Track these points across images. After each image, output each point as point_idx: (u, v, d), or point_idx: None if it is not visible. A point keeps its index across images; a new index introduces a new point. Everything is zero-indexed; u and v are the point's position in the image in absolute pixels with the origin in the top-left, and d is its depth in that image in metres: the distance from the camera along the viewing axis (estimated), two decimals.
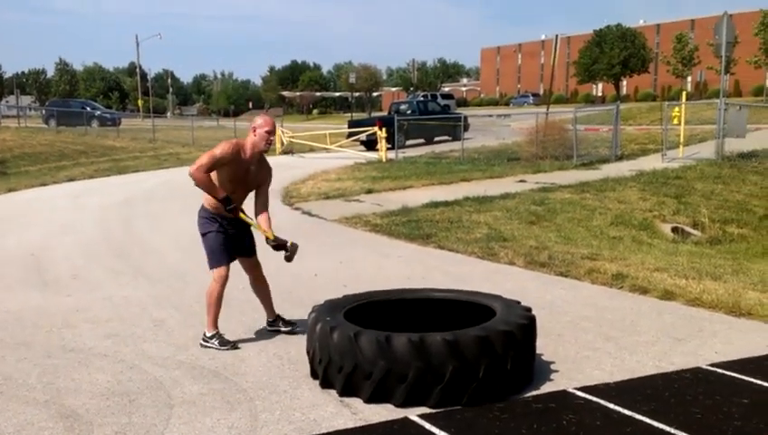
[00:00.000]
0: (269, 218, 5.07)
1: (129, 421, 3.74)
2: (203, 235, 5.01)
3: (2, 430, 3.64)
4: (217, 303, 4.97)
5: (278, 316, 5.36)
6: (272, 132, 4.97)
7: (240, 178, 4.95)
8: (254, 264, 5.25)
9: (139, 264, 8.14)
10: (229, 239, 5.01)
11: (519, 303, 4.61)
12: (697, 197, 12.83)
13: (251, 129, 4.96)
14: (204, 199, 5.02)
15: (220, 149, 4.82)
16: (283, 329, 5.31)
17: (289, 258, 5.09)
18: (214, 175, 4.86)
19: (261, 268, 5.28)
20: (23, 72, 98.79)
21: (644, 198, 12.60)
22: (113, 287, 6.94)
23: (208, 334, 4.98)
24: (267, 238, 5.00)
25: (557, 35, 25.77)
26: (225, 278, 4.97)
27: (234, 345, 4.95)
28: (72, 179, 18.91)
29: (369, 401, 3.95)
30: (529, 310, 4.44)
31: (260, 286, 5.32)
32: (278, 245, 5.02)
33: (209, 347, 4.92)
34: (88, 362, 4.71)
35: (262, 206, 5.08)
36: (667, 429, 3.51)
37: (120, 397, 4.08)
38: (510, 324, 4.13)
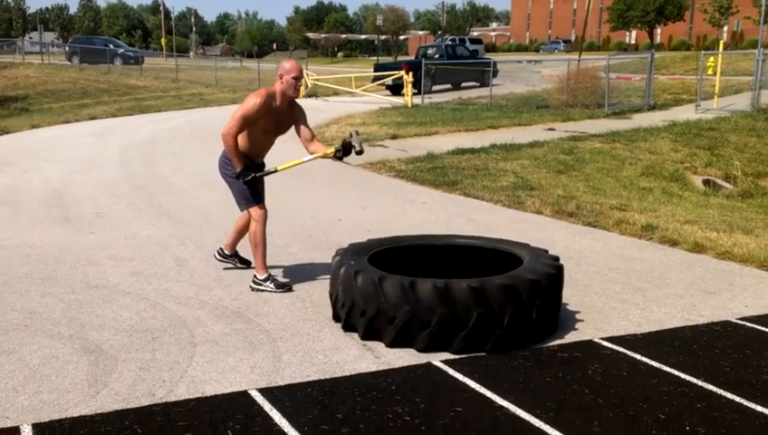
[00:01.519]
0: (319, 141, 5.06)
1: (152, 358, 3.74)
2: (231, 179, 4.94)
3: (27, 363, 3.66)
4: (263, 242, 4.93)
5: (236, 253, 5.43)
6: (299, 78, 4.86)
7: (272, 127, 4.92)
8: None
9: (161, 203, 8.14)
10: (257, 181, 4.97)
11: (547, 251, 4.51)
12: (730, 149, 12.54)
13: (277, 75, 4.85)
14: None
15: (252, 106, 4.73)
16: (238, 265, 5.38)
17: (360, 152, 4.99)
18: (246, 124, 4.81)
19: None
20: (46, 9, 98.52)
21: (676, 149, 12.33)
22: (136, 226, 6.95)
23: (261, 277, 4.92)
24: (334, 154, 4.93)
25: None
26: (265, 216, 4.94)
27: (289, 287, 4.93)
28: (94, 118, 18.90)
29: (391, 345, 3.92)
30: (557, 259, 4.35)
31: (243, 230, 5.27)
32: (344, 149, 4.92)
33: (263, 289, 4.87)
34: (111, 298, 4.72)
35: (308, 138, 5.01)
36: (695, 381, 3.44)
37: (143, 334, 4.09)
38: (537, 273, 4.04)
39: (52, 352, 3.81)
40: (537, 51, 75.89)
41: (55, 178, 9.81)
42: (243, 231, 5.29)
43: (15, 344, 3.91)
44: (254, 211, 4.92)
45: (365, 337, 4.02)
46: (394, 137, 13.62)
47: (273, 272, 5.06)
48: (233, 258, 5.43)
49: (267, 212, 4.98)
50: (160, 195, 8.66)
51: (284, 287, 4.91)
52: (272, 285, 4.89)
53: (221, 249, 5.45)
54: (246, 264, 5.37)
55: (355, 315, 4.08)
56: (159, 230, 6.76)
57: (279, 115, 4.87)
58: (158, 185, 9.38)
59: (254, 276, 4.96)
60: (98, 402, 3.22)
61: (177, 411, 3.14)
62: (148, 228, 6.83)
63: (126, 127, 16.70)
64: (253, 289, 4.92)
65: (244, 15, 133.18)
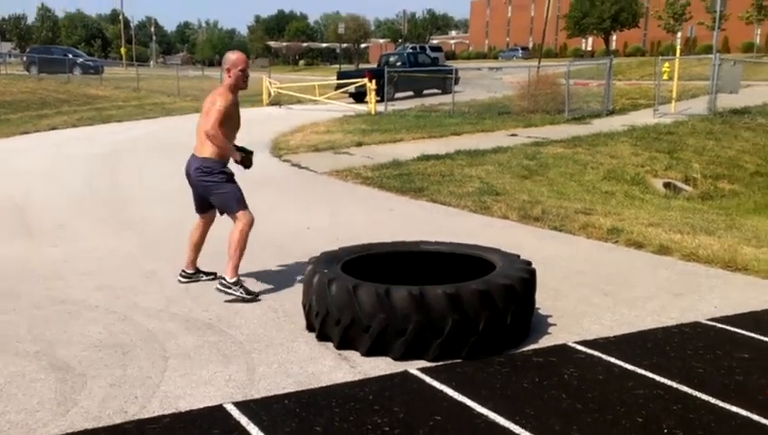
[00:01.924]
0: None
1: (123, 373, 3.66)
2: (224, 181, 4.89)
3: None
4: (243, 247, 4.87)
5: (198, 269, 5.34)
6: (245, 69, 4.89)
7: (236, 123, 4.96)
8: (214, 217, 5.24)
9: (125, 214, 7.99)
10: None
11: (519, 256, 4.54)
12: (689, 152, 12.79)
13: (224, 69, 4.90)
14: (206, 151, 4.89)
15: (227, 102, 4.76)
16: (203, 279, 5.29)
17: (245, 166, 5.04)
18: (222, 128, 4.81)
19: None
20: (3, 18, 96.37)
21: (636, 153, 12.53)
22: (100, 238, 6.81)
23: (230, 280, 4.82)
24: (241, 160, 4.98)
25: None
26: (252, 222, 4.91)
27: (257, 296, 4.86)
28: (54, 128, 18.49)
29: (366, 354, 3.89)
30: (529, 264, 4.38)
31: (200, 243, 5.25)
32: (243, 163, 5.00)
33: (231, 293, 4.78)
34: (78, 313, 4.61)
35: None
36: (670, 383, 3.48)
37: (113, 349, 3.99)
38: (510, 278, 4.06)
39: (18, 369, 3.70)
40: (496, 58, 76.64)
41: (15, 190, 9.56)
42: (200, 245, 5.24)
43: None
44: (246, 215, 4.88)
45: (340, 346, 3.99)
46: (359, 144, 13.61)
47: (245, 281, 4.99)
48: (197, 274, 5.31)
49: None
50: (124, 206, 8.50)
51: (252, 295, 4.84)
52: (240, 290, 4.81)
53: (183, 271, 5.33)
54: (212, 275, 5.27)
55: (329, 325, 4.04)
56: (125, 242, 6.63)
57: (238, 109, 4.95)
58: (121, 196, 9.22)
59: (224, 278, 4.85)
60: (68, 421, 3.14)
61: (151, 428, 3.07)
62: (113, 240, 6.70)
63: (87, 137, 16.38)
64: (219, 290, 4.82)
65: (204, 25, 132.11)
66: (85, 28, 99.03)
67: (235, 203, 4.92)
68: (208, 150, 4.88)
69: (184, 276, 5.30)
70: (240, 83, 4.88)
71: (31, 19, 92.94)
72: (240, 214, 4.88)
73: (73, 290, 5.12)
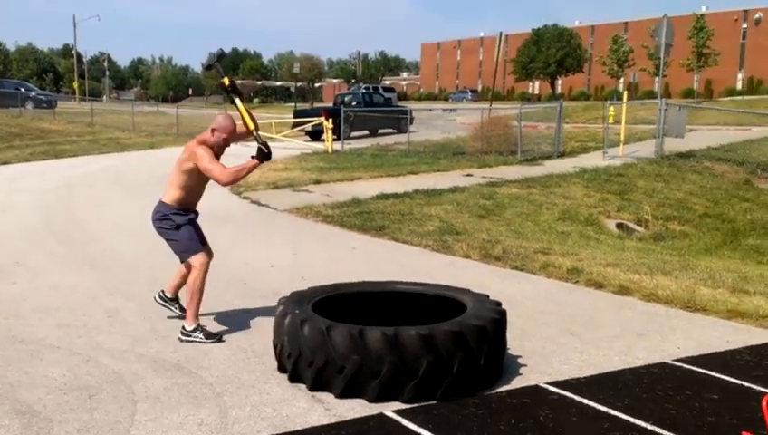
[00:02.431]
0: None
1: (91, 417, 3.54)
2: (174, 229, 4.82)
3: None
4: (201, 292, 4.79)
5: (177, 298, 5.26)
6: (229, 139, 4.84)
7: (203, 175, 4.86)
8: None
9: (83, 251, 7.81)
10: (198, 229, 4.87)
11: (488, 297, 4.58)
12: (639, 194, 13.14)
13: (210, 128, 4.82)
14: (167, 197, 4.85)
15: (204, 151, 4.70)
16: (174, 310, 5.20)
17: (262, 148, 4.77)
18: (188, 174, 4.76)
19: None
20: None
21: (588, 194, 12.82)
22: (59, 275, 6.63)
23: (189, 328, 4.75)
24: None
25: (501, 33, 25.95)
26: (207, 265, 4.83)
27: (219, 338, 4.77)
28: (6, 163, 18.08)
29: (340, 396, 3.85)
30: (499, 304, 4.42)
31: (186, 274, 5.12)
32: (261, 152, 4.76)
33: (193, 341, 4.69)
34: (40, 354, 4.46)
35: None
36: (644, 425, 3.53)
37: (78, 392, 3.87)
38: (482, 319, 4.09)
39: None
40: (446, 99, 78.00)
41: None
42: (184, 278, 5.13)
43: None
44: (199, 258, 4.80)
45: (313, 388, 3.95)
46: (317, 181, 13.62)
47: (209, 320, 4.92)
48: (173, 303, 5.22)
49: (210, 261, 4.87)
50: (82, 242, 8.31)
51: (214, 337, 4.76)
52: (201, 335, 4.74)
53: (162, 292, 5.25)
54: (184, 313, 5.18)
55: (302, 366, 4.00)
56: (84, 279, 6.47)
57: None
58: (78, 232, 9.01)
59: (183, 328, 4.79)
60: None
61: None
62: (73, 277, 6.53)
63: (40, 172, 16.03)
64: (181, 340, 4.74)
65: (158, 61, 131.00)
66: (36, 62, 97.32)
67: (184, 248, 4.85)
68: (169, 195, 4.85)
69: (160, 298, 5.23)
70: (216, 149, 4.80)
71: None
72: (193, 259, 4.82)
73: (34, 329, 4.96)
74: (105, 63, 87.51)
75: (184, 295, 4.99)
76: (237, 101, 4.94)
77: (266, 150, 4.74)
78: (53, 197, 12.04)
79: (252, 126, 4.87)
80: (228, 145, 4.89)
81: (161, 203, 4.87)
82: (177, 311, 5.20)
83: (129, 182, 12.77)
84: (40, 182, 14.04)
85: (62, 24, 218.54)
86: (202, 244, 4.93)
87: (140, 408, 3.68)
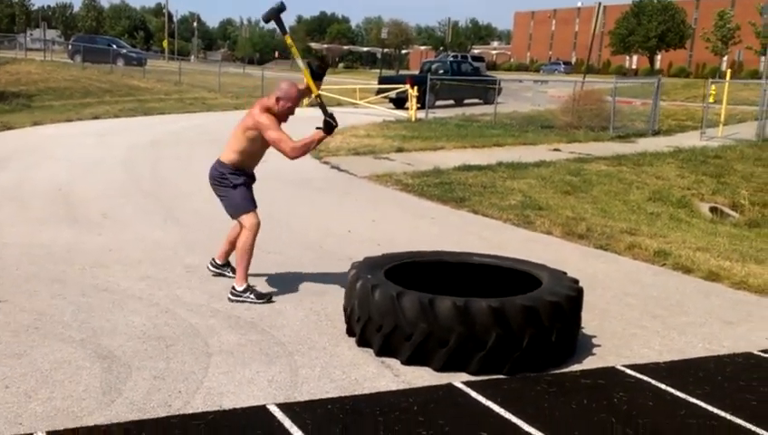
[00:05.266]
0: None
1: (167, 366, 3.65)
2: (230, 187, 4.85)
3: (38, 367, 3.56)
4: (250, 253, 4.83)
5: (228, 263, 5.27)
6: (293, 108, 4.80)
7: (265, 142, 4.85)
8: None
9: (168, 206, 8.04)
10: (251, 191, 4.93)
11: (565, 273, 4.44)
12: (737, 178, 12.51)
13: (275, 96, 4.74)
14: (225, 157, 4.88)
15: (270, 121, 4.67)
16: (229, 274, 5.17)
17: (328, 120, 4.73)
18: (250, 140, 4.75)
19: None
20: (49, 6, 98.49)
21: (682, 175, 12.30)
22: (144, 229, 6.85)
23: (239, 288, 4.77)
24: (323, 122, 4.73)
25: (600, 3, 24.93)
26: (258, 225, 4.85)
27: (270, 298, 4.82)
28: (96, 117, 18.74)
29: (407, 362, 3.84)
30: (576, 282, 4.29)
31: (235, 240, 5.14)
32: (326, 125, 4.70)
33: (242, 301, 4.73)
34: (122, 303, 4.63)
35: None
36: (723, 414, 3.37)
37: (156, 341, 3.99)
38: (557, 295, 3.98)
39: (63, 356, 3.71)
40: (537, 71, 76.15)
41: (59, 176, 9.69)
42: (236, 241, 5.14)
43: (26, 347, 3.81)
44: (250, 218, 4.82)
45: (380, 353, 3.94)
46: (399, 150, 13.57)
47: (284, 281, 4.96)
48: (225, 268, 5.28)
49: (260, 222, 4.88)
50: (167, 198, 8.56)
51: (264, 298, 4.78)
52: (252, 296, 4.76)
53: (213, 260, 5.32)
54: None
55: (371, 331, 4.00)
56: (168, 234, 6.67)
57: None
58: (164, 188, 9.29)
59: (233, 288, 4.80)
60: (113, 411, 3.13)
61: (196, 425, 3.05)
62: (157, 232, 6.74)
63: (129, 128, 16.59)
64: (231, 301, 4.75)
65: (246, 22, 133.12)
66: (129, 20, 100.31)
67: (237, 207, 4.87)
68: (227, 156, 4.87)
69: (213, 266, 5.31)
70: (283, 117, 4.78)
71: (77, 8, 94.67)
72: (243, 218, 4.84)
73: (118, 279, 5.15)
74: (194, 24, 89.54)
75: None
76: (300, 62, 4.88)
77: (334, 123, 4.69)
78: (141, 153, 12.45)
79: (316, 92, 4.83)
80: (293, 113, 4.85)
81: (219, 162, 4.89)
82: (231, 274, 5.22)
83: (211, 141, 13.02)
84: (128, 138, 14.52)
85: None
86: (255, 203, 4.94)
87: (214, 361, 3.77)
